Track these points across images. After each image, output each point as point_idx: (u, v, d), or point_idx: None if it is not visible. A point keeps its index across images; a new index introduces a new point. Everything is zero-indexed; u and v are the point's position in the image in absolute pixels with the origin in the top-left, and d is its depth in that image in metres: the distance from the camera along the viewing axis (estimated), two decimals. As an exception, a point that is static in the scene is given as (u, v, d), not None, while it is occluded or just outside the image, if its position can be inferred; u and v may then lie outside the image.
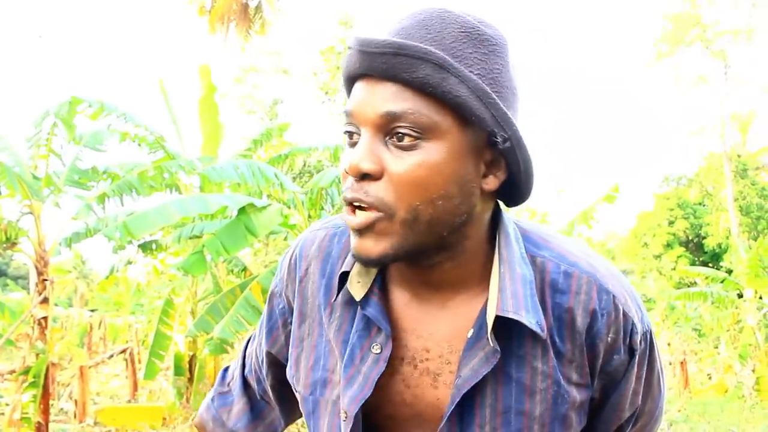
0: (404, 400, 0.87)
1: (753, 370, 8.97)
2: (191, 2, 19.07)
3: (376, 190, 0.76)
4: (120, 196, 5.48)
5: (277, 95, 18.89)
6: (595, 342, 0.83)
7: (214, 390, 1.13)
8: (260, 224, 5.35)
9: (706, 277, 10.97)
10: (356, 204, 0.78)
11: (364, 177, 0.76)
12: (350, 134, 0.80)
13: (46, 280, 5.36)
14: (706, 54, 23.53)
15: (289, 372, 0.95)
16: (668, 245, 22.89)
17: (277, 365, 1.01)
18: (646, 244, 23.53)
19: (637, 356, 0.85)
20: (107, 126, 6.08)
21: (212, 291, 6.97)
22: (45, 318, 5.36)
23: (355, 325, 0.87)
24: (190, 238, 6.19)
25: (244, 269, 7.16)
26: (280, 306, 0.99)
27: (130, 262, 7.18)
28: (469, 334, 0.82)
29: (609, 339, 0.83)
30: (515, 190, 0.83)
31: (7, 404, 6.36)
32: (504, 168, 0.80)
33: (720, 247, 21.48)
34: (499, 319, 0.79)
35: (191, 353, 7.06)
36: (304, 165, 8.99)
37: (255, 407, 1.08)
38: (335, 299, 0.89)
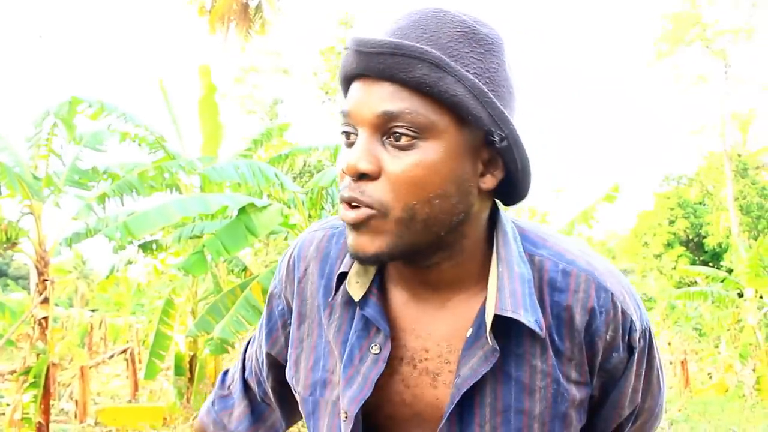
0: (404, 400, 0.87)
1: (753, 370, 8.96)
2: (191, 2, 19.07)
3: (373, 190, 0.76)
4: (120, 196, 5.48)
5: (278, 95, 18.92)
6: (594, 340, 0.83)
7: (214, 393, 1.13)
8: (261, 224, 5.36)
9: (707, 277, 10.96)
10: (353, 204, 0.78)
11: (361, 177, 0.77)
12: (347, 134, 0.80)
13: (46, 280, 5.36)
14: (706, 53, 23.52)
15: (289, 373, 0.95)
16: (668, 245, 22.90)
17: (277, 367, 1.01)
18: (647, 244, 23.54)
19: (636, 354, 0.86)
20: (107, 126, 6.08)
21: (213, 291, 6.97)
22: (45, 318, 5.36)
23: (353, 326, 0.87)
24: (191, 238, 6.19)
25: (245, 269, 7.16)
26: (280, 307, 0.99)
27: (130, 262, 7.18)
28: (468, 334, 0.82)
29: (608, 337, 0.83)
30: (513, 188, 0.83)
31: (7, 404, 6.36)
32: (501, 167, 0.80)
33: (720, 247, 21.49)
34: (497, 318, 0.79)
35: (192, 353, 7.07)
36: (305, 165, 8.99)
37: (256, 410, 1.08)
38: (334, 300, 0.89)
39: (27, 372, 5.21)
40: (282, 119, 17.03)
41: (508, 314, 0.79)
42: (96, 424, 6.83)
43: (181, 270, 5.55)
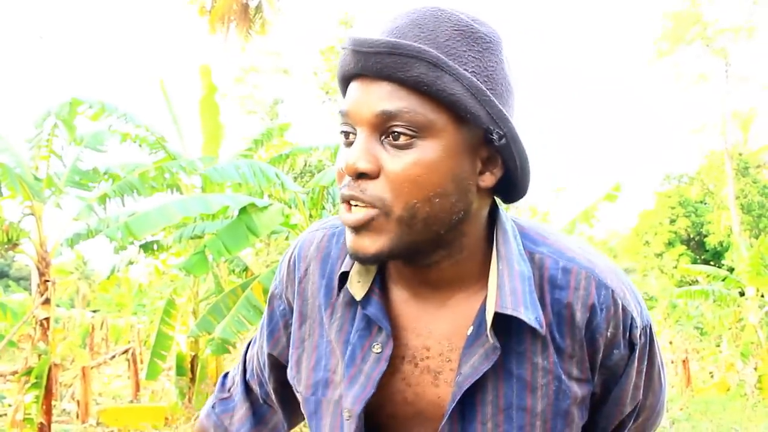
0: (405, 399, 0.87)
1: (755, 369, 8.96)
2: (192, 2, 19.06)
3: (373, 189, 0.76)
4: (121, 197, 5.49)
5: (278, 95, 18.93)
6: (594, 337, 0.83)
7: (214, 396, 1.12)
8: (261, 224, 5.36)
9: (708, 276, 10.95)
10: (353, 203, 0.78)
11: (360, 176, 0.77)
12: (346, 134, 0.80)
13: (47, 281, 5.36)
14: (707, 52, 23.49)
15: (290, 373, 0.95)
16: (670, 243, 22.90)
17: (279, 367, 1.01)
18: (648, 243, 23.54)
19: (637, 351, 0.86)
20: (108, 127, 6.09)
21: (214, 291, 6.98)
22: (47, 319, 5.37)
23: (355, 325, 0.87)
24: (192, 238, 6.20)
25: (246, 269, 7.17)
26: (281, 308, 0.99)
27: (131, 263, 7.18)
28: (469, 332, 0.82)
29: (609, 334, 0.83)
30: (512, 186, 0.83)
31: (9, 405, 6.37)
32: (500, 165, 0.80)
33: (721, 245, 21.48)
34: (498, 316, 0.80)
35: (193, 353, 7.07)
36: (305, 165, 8.99)
37: (257, 412, 1.07)
38: (336, 299, 0.89)
39: (29, 373, 5.22)
40: (282, 119, 17.04)
41: (509, 312, 0.79)
42: (98, 424, 6.84)
43: (183, 270, 5.56)
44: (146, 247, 6.62)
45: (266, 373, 1.04)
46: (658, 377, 0.92)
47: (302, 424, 1.07)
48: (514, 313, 0.79)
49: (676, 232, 23.02)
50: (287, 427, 1.09)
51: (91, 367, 7.96)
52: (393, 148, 0.76)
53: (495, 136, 0.76)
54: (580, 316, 0.82)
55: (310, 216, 6.07)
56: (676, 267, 21.04)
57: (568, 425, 0.84)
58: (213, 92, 7.39)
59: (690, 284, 13.96)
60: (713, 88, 23.85)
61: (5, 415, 6.07)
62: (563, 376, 0.83)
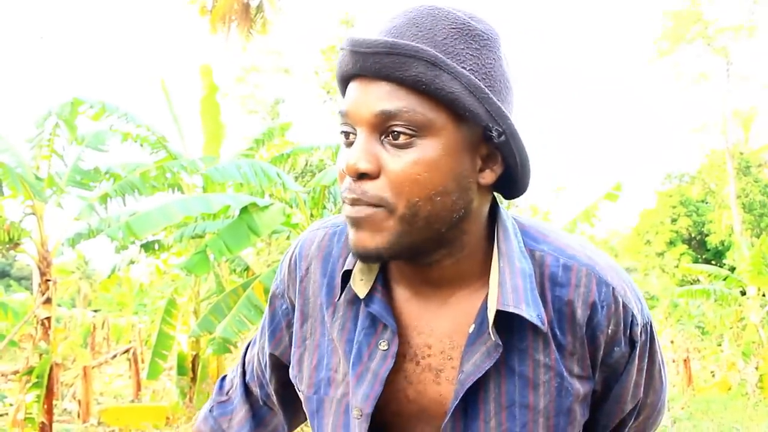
0: (407, 397, 0.87)
1: (756, 368, 8.94)
2: (192, 2, 19.06)
3: (374, 189, 0.76)
4: (122, 197, 5.50)
5: (279, 95, 18.92)
6: (595, 334, 0.83)
7: (212, 400, 1.11)
8: (263, 224, 5.37)
9: (709, 275, 10.95)
10: (357, 205, 0.78)
11: (361, 176, 0.77)
12: (346, 134, 0.80)
13: (49, 280, 5.37)
14: (708, 51, 23.48)
15: (292, 372, 0.95)
16: (671, 243, 22.88)
17: (280, 368, 1.01)
18: (649, 242, 23.53)
19: (637, 348, 0.86)
20: (109, 126, 6.09)
21: (215, 291, 6.98)
22: (48, 318, 5.37)
23: (360, 323, 0.87)
24: (193, 237, 6.20)
25: (247, 269, 7.18)
26: (283, 307, 0.99)
27: (132, 262, 7.19)
28: (471, 330, 0.82)
29: (609, 331, 0.83)
30: (512, 183, 0.83)
31: (11, 404, 6.38)
32: (500, 162, 0.80)
33: (723, 245, 21.45)
34: (499, 314, 0.80)
35: (194, 353, 7.07)
36: (306, 164, 9.00)
37: (257, 414, 1.07)
38: (339, 298, 0.89)
39: (30, 372, 5.23)
40: (283, 119, 17.01)
41: (510, 309, 0.79)
42: (99, 423, 6.85)
43: (184, 270, 5.57)
44: (147, 247, 6.62)
45: (267, 374, 1.03)
46: (659, 375, 0.92)
47: (303, 424, 1.07)
48: (516, 311, 0.79)
49: (677, 232, 23.00)
50: (287, 429, 1.09)
51: (92, 367, 7.96)
52: (393, 148, 0.76)
53: (494, 133, 0.76)
54: (580, 314, 0.82)
55: (311, 215, 6.07)
56: (677, 266, 21.03)
57: (571, 422, 0.84)
58: (214, 92, 7.39)
59: (691, 283, 13.96)
60: (714, 87, 23.87)
61: (6, 414, 6.08)
62: (565, 373, 0.83)
